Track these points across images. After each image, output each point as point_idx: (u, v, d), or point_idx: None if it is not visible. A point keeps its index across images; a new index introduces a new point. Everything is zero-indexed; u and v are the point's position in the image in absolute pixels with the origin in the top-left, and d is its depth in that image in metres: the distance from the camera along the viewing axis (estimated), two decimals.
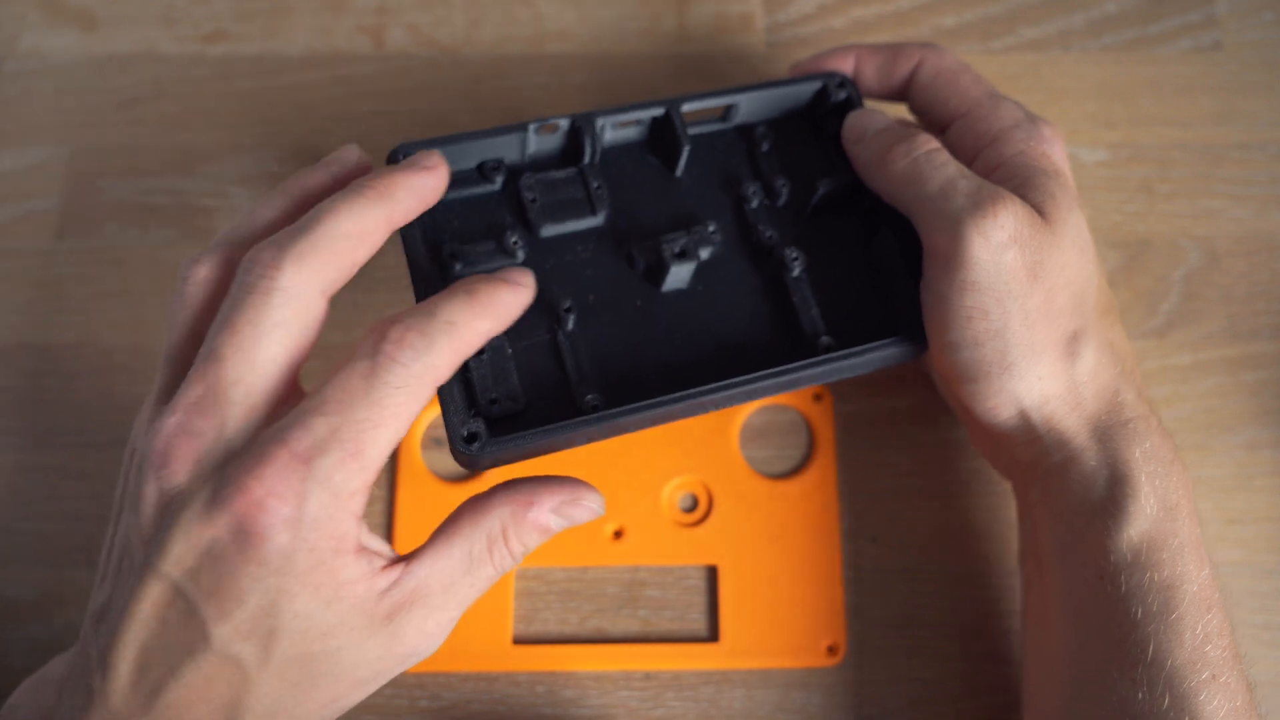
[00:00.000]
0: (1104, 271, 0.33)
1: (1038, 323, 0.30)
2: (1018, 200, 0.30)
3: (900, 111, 0.37)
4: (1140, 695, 0.28)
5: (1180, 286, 0.40)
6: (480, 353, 0.30)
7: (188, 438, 0.27)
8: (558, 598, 0.36)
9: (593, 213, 0.33)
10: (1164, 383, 0.39)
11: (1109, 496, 0.30)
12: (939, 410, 0.38)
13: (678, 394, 0.29)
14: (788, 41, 0.44)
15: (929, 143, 0.31)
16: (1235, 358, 0.39)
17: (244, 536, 0.25)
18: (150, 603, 0.26)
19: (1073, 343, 0.30)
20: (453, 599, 0.27)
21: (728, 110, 0.35)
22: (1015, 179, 0.31)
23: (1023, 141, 0.32)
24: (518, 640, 0.36)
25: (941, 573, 0.36)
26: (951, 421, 0.38)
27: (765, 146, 0.35)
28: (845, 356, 0.30)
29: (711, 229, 0.33)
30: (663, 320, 0.32)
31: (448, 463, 0.37)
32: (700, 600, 0.36)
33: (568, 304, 0.31)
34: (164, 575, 0.26)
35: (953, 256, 0.29)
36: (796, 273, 0.32)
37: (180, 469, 0.26)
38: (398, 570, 0.27)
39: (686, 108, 0.33)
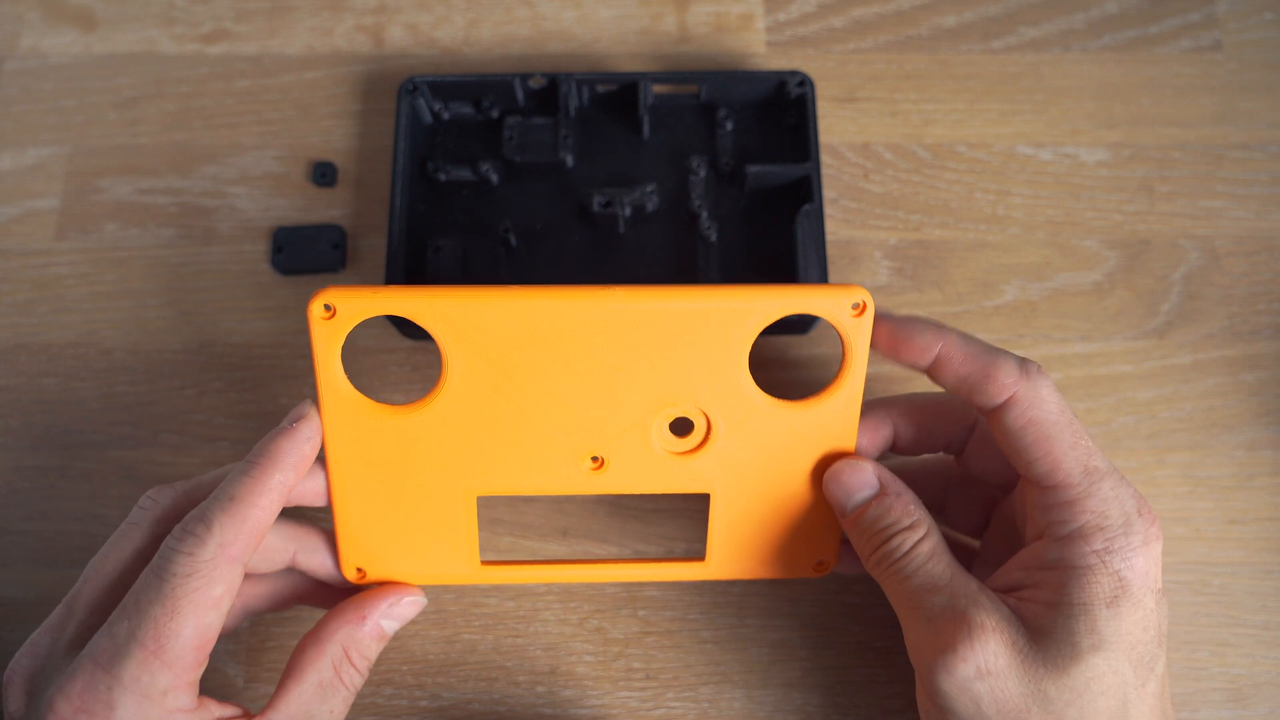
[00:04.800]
0: (1164, 695, 0.28)
1: None
2: (988, 621, 0.26)
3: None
4: None
5: (1180, 286, 0.40)
6: (437, 248, 0.38)
7: (29, 658, 0.27)
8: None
9: (555, 156, 0.40)
10: (1164, 383, 0.39)
11: None
12: None
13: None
14: (788, 41, 0.43)
15: (910, 533, 0.29)
16: (1235, 358, 0.39)
17: None
18: None
19: None
20: None
21: (700, 91, 0.41)
22: (1061, 598, 0.26)
23: (1097, 553, 0.27)
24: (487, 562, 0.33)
25: None
26: None
27: (729, 127, 0.41)
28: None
29: (650, 189, 0.39)
30: (591, 256, 0.39)
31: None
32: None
33: (507, 225, 0.38)
34: None
35: (919, 677, 0.28)
36: (712, 239, 0.39)
37: (18, 693, 0.26)
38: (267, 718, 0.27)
39: (656, 85, 0.40)
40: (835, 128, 0.42)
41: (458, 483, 0.31)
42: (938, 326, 0.30)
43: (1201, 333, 0.39)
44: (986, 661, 0.26)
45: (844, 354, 0.30)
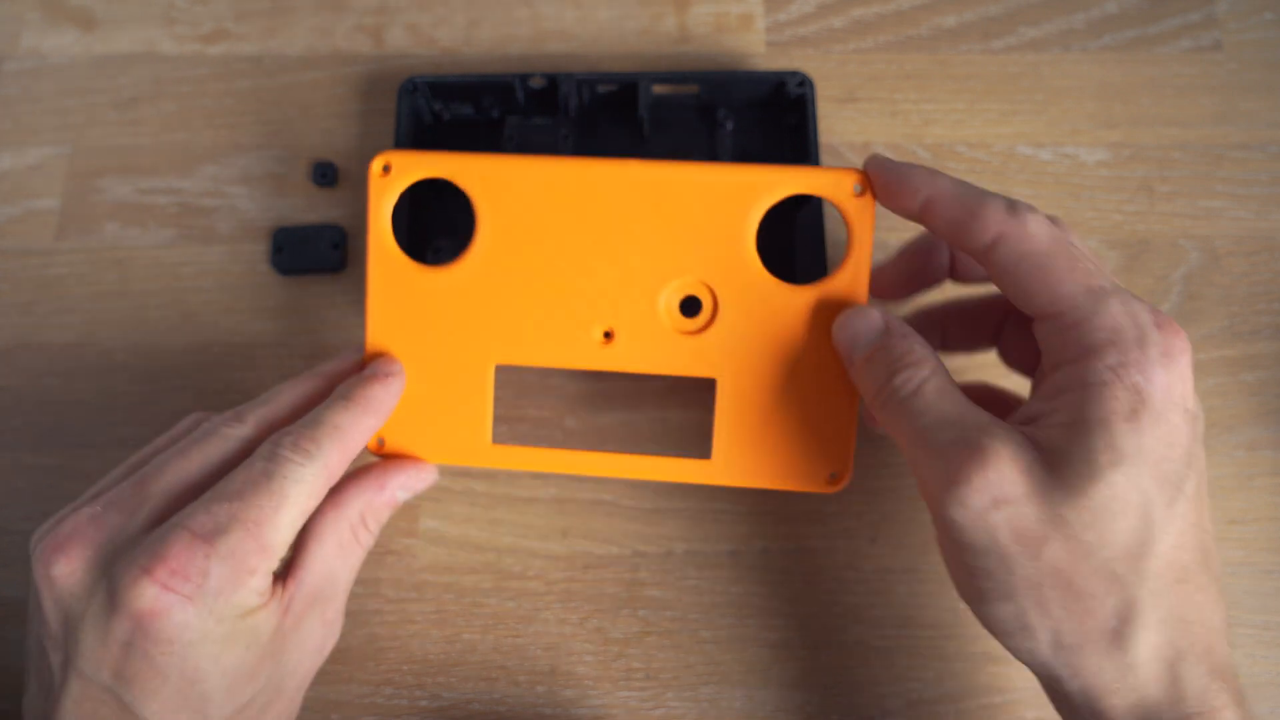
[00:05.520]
0: (1198, 524, 0.26)
1: (1053, 593, 0.25)
2: (1002, 449, 0.25)
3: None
4: None
5: (1180, 286, 0.40)
6: (437, 249, 0.38)
7: (94, 529, 0.28)
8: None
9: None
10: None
11: None
12: None
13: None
14: (788, 41, 0.44)
15: (917, 370, 0.28)
16: (1235, 358, 0.39)
17: (151, 619, 0.26)
18: (76, 700, 0.27)
19: (1120, 621, 0.25)
20: (338, 587, 0.30)
21: (700, 91, 0.41)
22: (1076, 417, 0.25)
23: (1111, 368, 0.25)
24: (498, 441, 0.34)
25: (941, 573, 0.36)
26: None
27: (729, 127, 0.41)
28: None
29: None
30: None
31: None
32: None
33: None
34: (83, 674, 0.27)
35: (934, 515, 0.27)
36: None
37: (79, 560, 0.27)
38: (290, 585, 0.29)
39: (656, 85, 0.40)
40: (835, 128, 0.42)
41: (478, 349, 0.32)
42: (930, 172, 0.29)
43: (1201, 333, 0.39)
44: (1001, 489, 0.25)
45: (849, 236, 0.30)
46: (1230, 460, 0.38)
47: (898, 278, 0.34)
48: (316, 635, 0.30)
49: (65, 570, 0.27)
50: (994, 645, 0.35)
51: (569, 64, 0.43)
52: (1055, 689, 0.27)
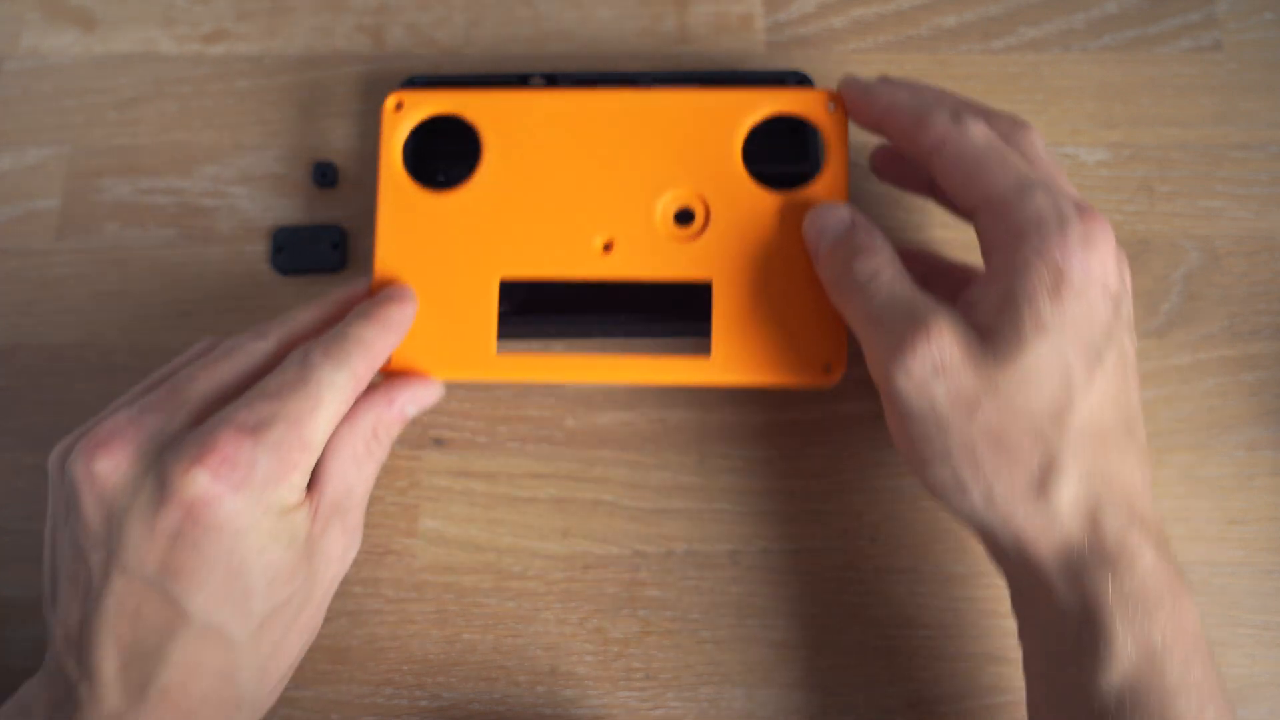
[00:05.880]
0: (1120, 394, 0.29)
1: (985, 453, 0.28)
2: (944, 324, 0.28)
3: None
4: None
5: (1180, 286, 0.40)
6: None
7: (134, 428, 0.28)
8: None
9: None
10: (1164, 383, 0.39)
11: (1080, 637, 0.27)
12: None
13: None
14: (788, 41, 0.43)
15: (874, 258, 0.31)
16: (1235, 358, 0.39)
17: (202, 507, 0.27)
18: (119, 598, 0.27)
19: (1043, 474, 0.28)
20: (355, 499, 0.32)
21: None
22: (1006, 295, 0.28)
23: (1035, 249, 0.28)
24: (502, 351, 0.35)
25: (941, 573, 0.36)
26: None
27: None
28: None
29: None
30: None
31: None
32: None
33: None
34: (127, 568, 0.27)
35: (881, 389, 0.30)
36: None
37: (125, 457, 0.28)
38: (314, 495, 0.30)
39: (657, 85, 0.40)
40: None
41: (484, 265, 0.34)
42: (891, 85, 0.33)
43: (1201, 333, 0.39)
44: (941, 357, 0.28)
45: (826, 148, 0.34)
46: (1230, 460, 0.38)
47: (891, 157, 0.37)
48: (340, 543, 0.31)
49: (109, 466, 0.27)
50: (995, 645, 0.36)
51: (569, 64, 0.43)
52: (991, 542, 0.30)
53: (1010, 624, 0.36)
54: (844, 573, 0.36)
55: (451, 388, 0.38)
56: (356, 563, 0.36)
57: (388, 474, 0.38)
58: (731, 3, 0.44)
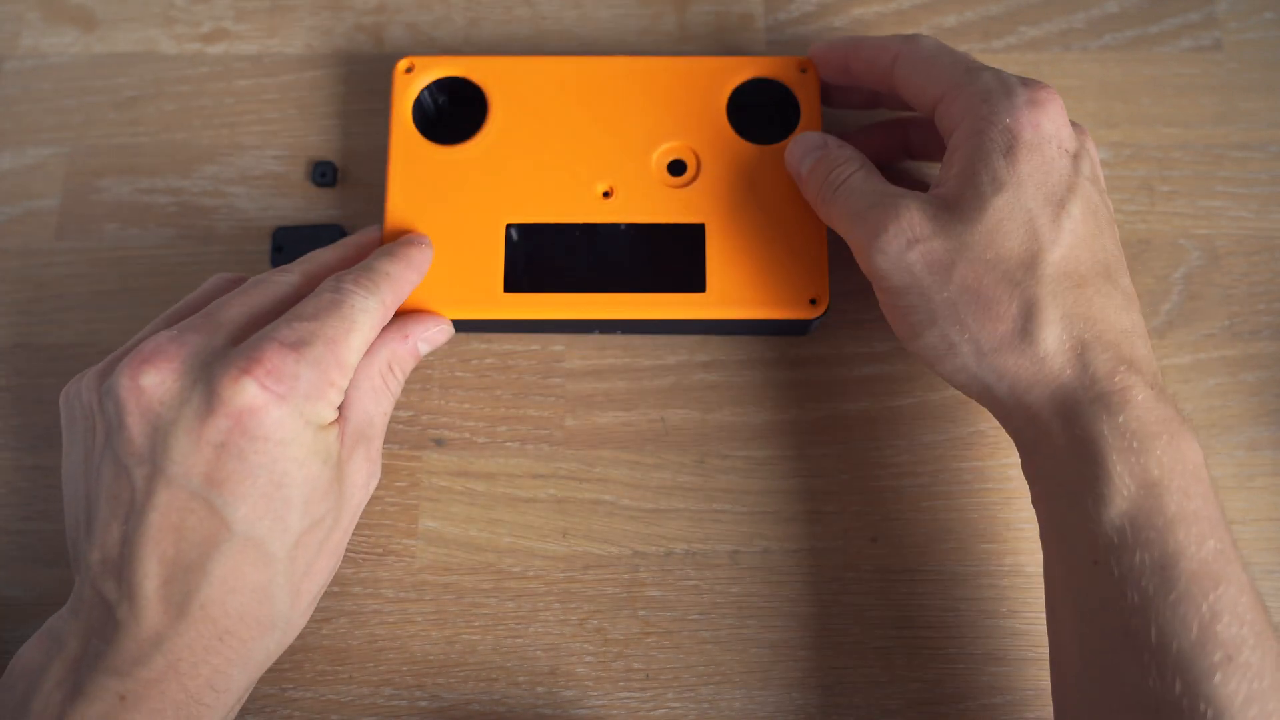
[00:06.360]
0: (1093, 240, 0.30)
1: (967, 309, 0.30)
2: (911, 203, 0.31)
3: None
4: (1150, 682, 0.26)
5: (1180, 286, 0.40)
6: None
7: (177, 346, 0.29)
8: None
9: None
10: (1165, 383, 0.39)
11: (1080, 476, 0.28)
12: (939, 410, 0.38)
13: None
14: (788, 41, 0.43)
15: (847, 166, 0.34)
16: (1235, 358, 0.39)
17: (250, 415, 0.28)
18: (163, 512, 0.28)
19: (1024, 319, 0.29)
20: (374, 428, 0.33)
21: None
22: (965, 165, 0.31)
23: (985, 117, 0.31)
24: (509, 290, 0.36)
25: (941, 573, 0.36)
26: (952, 421, 0.38)
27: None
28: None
29: None
30: (591, 255, 0.37)
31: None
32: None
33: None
34: (173, 480, 0.28)
35: (869, 276, 0.32)
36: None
37: (166, 373, 0.28)
38: (341, 420, 0.31)
39: None
40: (835, 127, 0.42)
41: (491, 211, 0.37)
42: (853, 41, 0.37)
43: (1201, 333, 0.39)
44: (912, 230, 0.30)
45: (800, 107, 0.38)
46: (1230, 460, 0.38)
47: (867, 147, 0.39)
48: (364, 470, 0.32)
49: (155, 380, 0.28)
50: (995, 646, 0.36)
51: None
52: (991, 400, 0.31)
53: (1011, 624, 0.36)
54: (844, 573, 0.36)
55: (453, 381, 0.38)
56: (356, 563, 0.36)
57: (388, 474, 0.38)
58: (731, 2, 0.44)
